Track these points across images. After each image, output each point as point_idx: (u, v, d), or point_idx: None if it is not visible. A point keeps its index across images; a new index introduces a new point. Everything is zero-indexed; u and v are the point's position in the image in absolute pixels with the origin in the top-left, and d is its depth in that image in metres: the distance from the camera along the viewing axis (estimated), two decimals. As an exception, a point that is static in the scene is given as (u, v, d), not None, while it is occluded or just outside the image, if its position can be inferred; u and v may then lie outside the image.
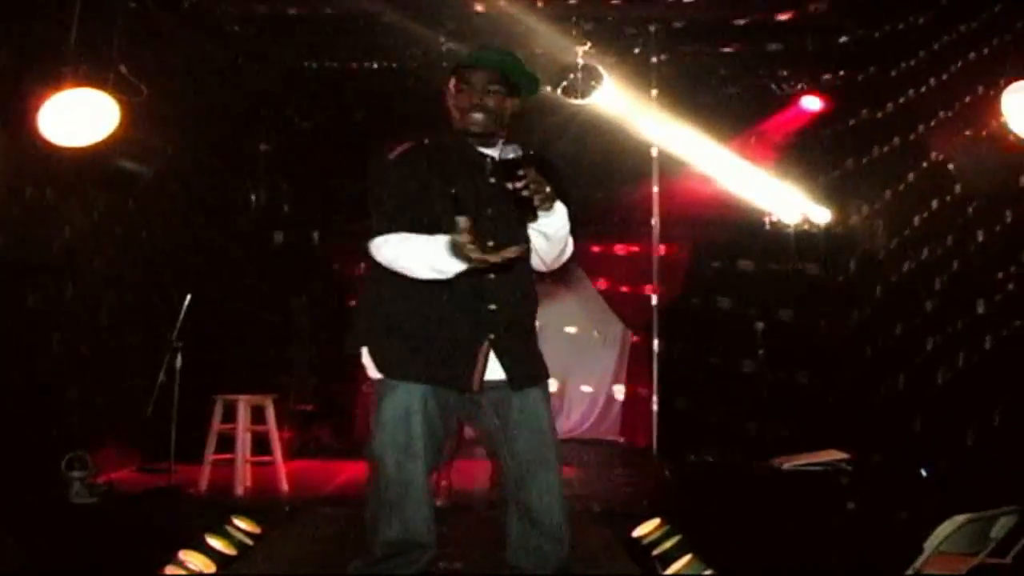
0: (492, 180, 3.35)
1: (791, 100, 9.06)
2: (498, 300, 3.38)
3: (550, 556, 3.38)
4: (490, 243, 3.22)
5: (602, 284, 10.58)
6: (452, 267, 3.15)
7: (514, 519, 3.43)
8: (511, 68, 3.47)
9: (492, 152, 3.43)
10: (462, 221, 3.06)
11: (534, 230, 3.36)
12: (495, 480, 6.07)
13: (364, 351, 3.43)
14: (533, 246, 3.43)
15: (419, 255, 3.23)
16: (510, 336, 3.42)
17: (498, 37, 7.96)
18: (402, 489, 3.32)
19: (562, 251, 3.50)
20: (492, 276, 3.34)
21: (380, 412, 3.36)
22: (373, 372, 3.40)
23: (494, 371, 3.38)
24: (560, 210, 3.32)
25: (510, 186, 3.15)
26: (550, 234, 3.35)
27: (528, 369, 3.46)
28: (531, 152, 3.31)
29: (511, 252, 3.10)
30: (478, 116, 3.39)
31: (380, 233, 3.31)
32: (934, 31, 7.35)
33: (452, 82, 3.46)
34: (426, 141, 3.48)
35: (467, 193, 3.34)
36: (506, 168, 3.17)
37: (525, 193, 3.15)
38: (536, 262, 3.52)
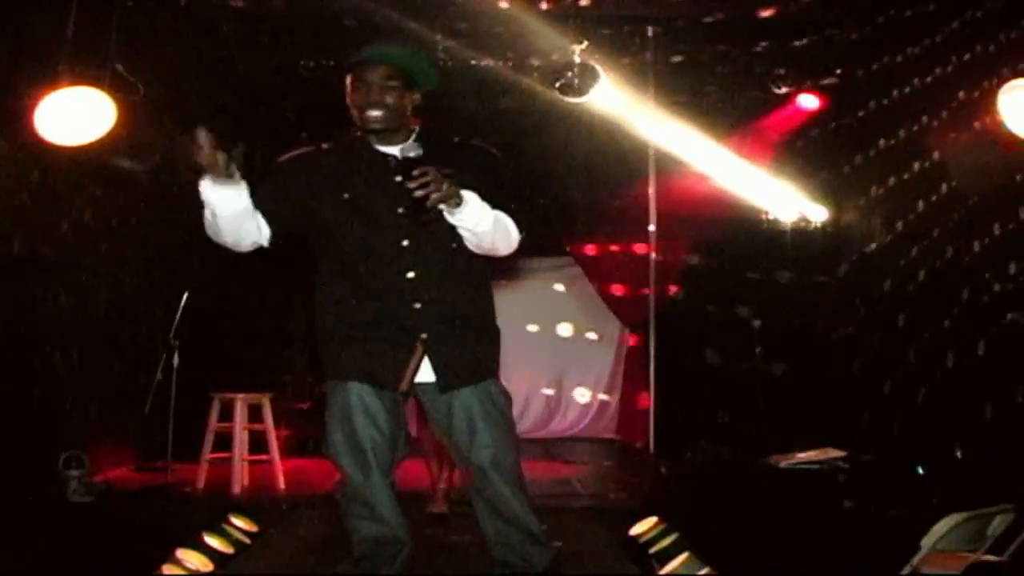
0: (398, 179, 3.30)
1: (788, 99, 9.07)
2: (426, 299, 3.38)
3: (533, 553, 3.47)
4: (405, 242, 3.32)
5: (599, 283, 10.57)
6: (204, 192, 3.18)
7: (485, 517, 3.52)
8: (408, 62, 3.42)
9: (393, 150, 3.41)
10: (200, 135, 3.11)
11: (457, 225, 3.33)
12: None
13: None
14: (465, 240, 3.40)
15: (209, 211, 3.26)
16: (445, 336, 3.41)
17: (495, 35, 7.99)
18: (360, 485, 3.41)
19: (495, 239, 3.42)
20: (411, 275, 3.37)
21: (327, 412, 3.48)
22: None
23: (428, 372, 3.42)
24: (471, 204, 3.28)
25: (408, 185, 3.15)
26: (468, 227, 3.32)
27: (463, 368, 3.46)
28: (451, 139, 3.47)
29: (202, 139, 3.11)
30: (375, 113, 3.36)
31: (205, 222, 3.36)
32: (931, 29, 7.35)
33: (348, 80, 3.43)
34: (324, 146, 3.53)
35: (369, 194, 3.37)
36: (403, 167, 3.18)
37: (417, 193, 3.13)
38: (476, 249, 3.46)
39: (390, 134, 3.42)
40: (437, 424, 3.56)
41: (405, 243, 3.34)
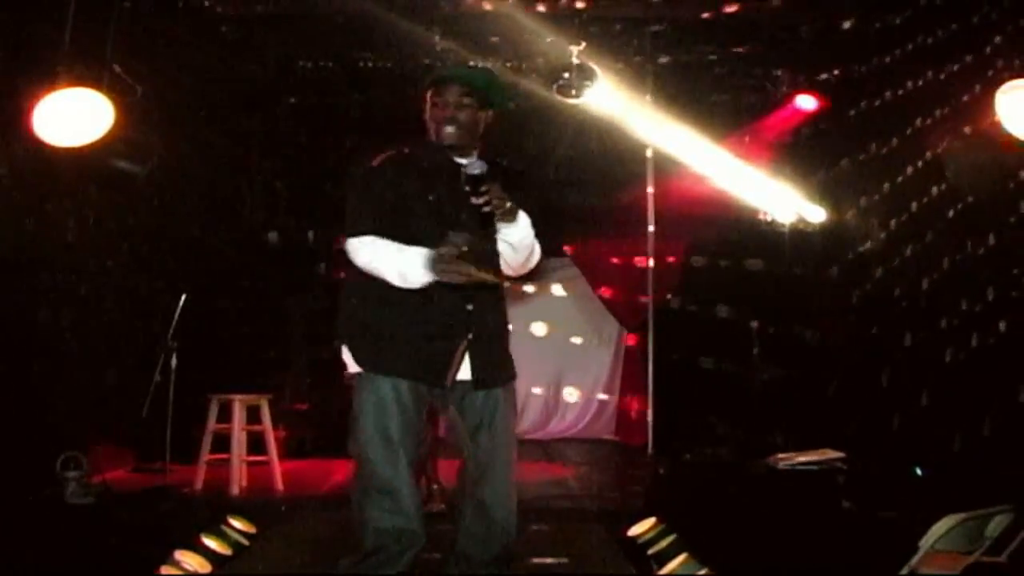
0: (467, 188, 3.43)
1: (786, 99, 9.08)
2: (476, 302, 3.54)
3: (494, 542, 3.55)
4: (471, 267, 3.33)
5: (597, 285, 10.58)
6: (420, 277, 3.32)
7: (468, 509, 3.59)
8: (483, 83, 3.63)
9: (466, 163, 3.52)
10: (457, 236, 3.29)
11: (501, 239, 3.56)
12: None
13: (344, 347, 3.61)
14: (501, 253, 3.61)
15: (394, 261, 3.38)
16: (485, 337, 3.59)
17: (493, 36, 7.99)
18: (388, 477, 3.45)
19: (528, 257, 3.68)
20: None
21: (359, 404, 3.53)
22: (353, 367, 3.57)
23: (464, 370, 3.55)
24: (523, 221, 3.52)
25: (474, 200, 3.32)
26: (515, 243, 3.55)
27: (496, 370, 3.63)
28: (502, 163, 3.59)
29: (488, 277, 3.30)
30: (451, 129, 3.55)
31: (358, 235, 3.46)
32: (928, 30, 7.36)
33: (428, 96, 3.61)
34: (406, 150, 3.64)
35: (444, 200, 3.51)
36: (471, 183, 3.33)
37: (487, 209, 3.33)
38: (504, 267, 3.67)
39: (461, 150, 3.59)
40: (457, 421, 3.64)
41: (465, 248, 3.41)
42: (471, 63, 7.79)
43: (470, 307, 3.51)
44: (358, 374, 3.54)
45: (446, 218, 3.48)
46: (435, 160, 3.60)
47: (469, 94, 3.57)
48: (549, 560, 5.06)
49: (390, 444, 3.46)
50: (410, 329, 3.50)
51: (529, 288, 10.84)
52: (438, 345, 3.51)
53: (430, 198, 3.51)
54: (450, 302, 3.49)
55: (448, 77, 3.61)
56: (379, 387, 3.49)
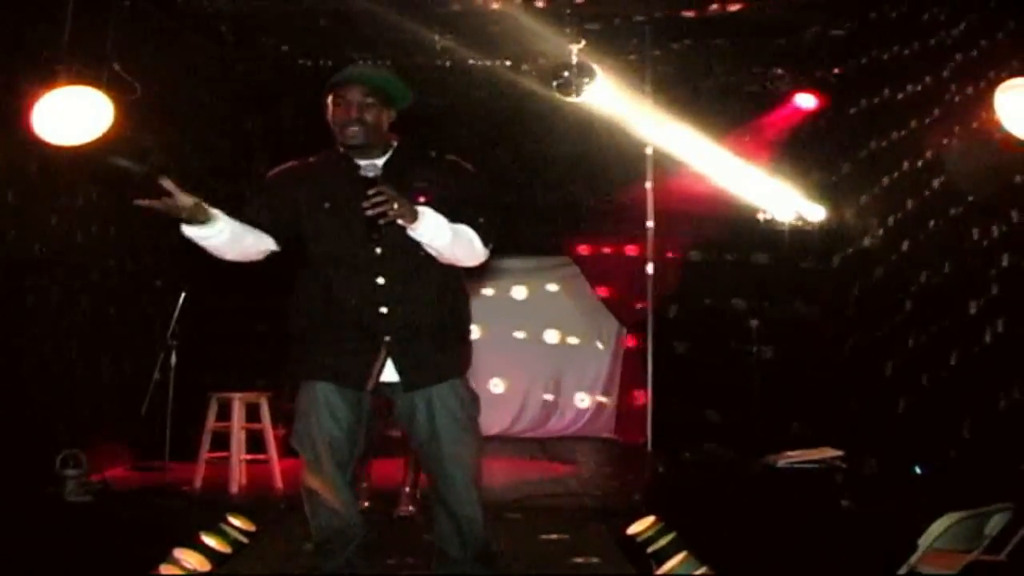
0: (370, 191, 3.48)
1: (785, 98, 9.08)
2: (392, 303, 3.56)
3: (468, 541, 3.62)
4: (377, 249, 3.49)
5: (596, 283, 10.56)
6: (189, 233, 3.60)
7: (436, 510, 3.70)
8: (384, 82, 3.67)
9: (372, 163, 3.57)
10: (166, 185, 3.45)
11: (416, 238, 3.49)
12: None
13: None
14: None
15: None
16: (409, 337, 3.58)
17: (492, 34, 7.99)
18: (318, 478, 3.59)
19: (454, 252, 3.56)
20: (381, 281, 3.55)
21: (295, 409, 3.67)
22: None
23: (391, 373, 3.60)
24: (425, 221, 3.42)
25: (363, 205, 3.31)
26: (426, 241, 3.48)
27: (427, 370, 3.62)
28: (431, 154, 3.68)
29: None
30: (355, 130, 3.58)
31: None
32: (928, 29, 7.36)
33: (329, 100, 3.67)
34: (311, 159, 3.76)
35: (348, 205, 3.48)
36: (360, 186, 3.35)
37: (369, 213, 3.31)
38: (440, 259, 3.61)
39: (368, 149, 3.60)
40: (401, 422, 3.72)
41: (378, 251, 3.52)
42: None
43: (385, 309, 3.53)
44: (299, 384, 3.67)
45: (342, 221, 3.53)
46: (335, 167, 3.65)
47: (371, 93, 3.58)
48: (547, 558, 5.06)
49: (316, 445, 3.57)
50: (328, 335, 3.59)
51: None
52: (358, 349, 3.57)
53: (325, 205, 3.57)
54: (362, 305, 3.54)
55: (349, 78, 3.63)
56: (309, 392, 3.59)
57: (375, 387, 3.57)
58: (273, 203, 3.67)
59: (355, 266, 3.54)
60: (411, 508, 6.10)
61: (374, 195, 3.28)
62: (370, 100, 3.57)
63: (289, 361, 3.70)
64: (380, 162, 3.50)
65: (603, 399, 11.14)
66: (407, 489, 6.17)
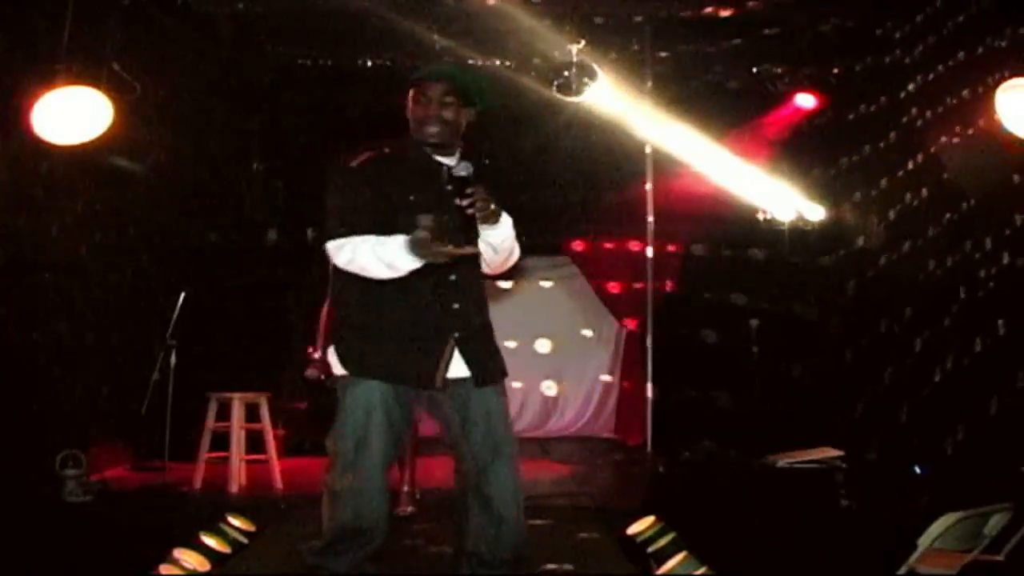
0: (449, 188, 3.48)
1: (785, 97, 9.08)
2: (460, 300, 3.56)
3: (505, 542, 3.55)
4: (448, 245, 3.33)
5: (597, 281, 10.56)
6: (407, 263, 3.33)
7: (474, 509, 3.59)
8: (466, 81, 3.62)
9: (448, 161, 3.58)
10: (425, 219, 3.26)
11: (482, 240, 3.50)
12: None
13: (331, 350, 3.63)
14: (481, 253, 3.56)
15: (376, 253, 3.39)
16: (472, 335, 3.60)
17: (492, 34, 7.98)
18: (357, 478, 3.50)
19: (507, 258, 3.68)
20: (453, 278, 3.53)
21: (343, 406, 3.56)
22: (338, 369, 3.59)
23: (455, 369, 3.55)
24: (506, 223, 3.53)
25: (458, 202, 3.34)
26: (496, 244, 3.54)
27: (489, 367, 3.63)
28: (485, 163, 3.59)
29: (468, 250, 3.32)
30: (434, 129, 3.54)
31: (337, 236, 3.48)
32: (929, 28, 7.36)
33: (410, 94, 3.61)
34: (386, 150, 3.65)
35: (424, 200, 3.47)
36: (455, 184, 3.38)
37: (470, 211, 3.33)
38: (483, 266, 3.67)
39: (445, 148, 3.59)
40: (451, 420, 3.62)
41: (448, 246, 3.41)
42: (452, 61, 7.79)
43: (456, 306, 3.53)
44: (344, 376, 3.57)
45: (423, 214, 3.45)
46: (417, 159, 3.61)
47: (452, 92, 3.56)
48: (548, 559, 5.06)
49: (367, 447, 3.49)
50: (397, 331, 3.52)
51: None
52: (426, 346, 3.52)
53: (411, 198, 3.49)
54: (437, 301, 3.51)
55: (433, 74, 3.61)
56: (363, 390, 3.52)
57: (444, 384, 3.53)
58: (365, 195, 3.55)
59: (432, 263, 3.45)
60: (409, 508, 6.10)
61: (472, 193, 3.31)
62: (450, 99, 3.55)
63: (340, 353, 3.59)
64: (467, 163, 3.44)
65: (606, 378, 11.14)
66: (405, 488, 6.17)
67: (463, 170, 3.38)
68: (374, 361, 3.53)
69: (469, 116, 3.65)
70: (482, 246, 3.51)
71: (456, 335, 3.54)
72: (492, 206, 3.37)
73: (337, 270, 3.57)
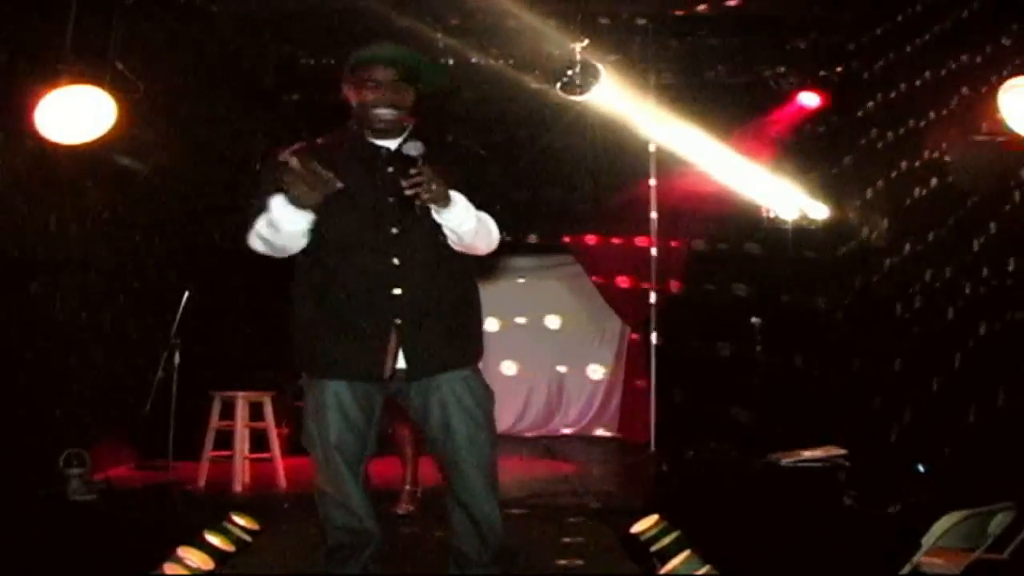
0: (390, 169, 3.41)
1: (789, 96, 9.07)
2: (405, 285, 3.44)
3: (488, 541, 3.53)
4: (394, 230, 3.39)
5: (600, 280, 10.56)
6: (282, 212, 3.28)
7: (451, 507, 3.60)
8: (413, 60, 3.52)
9: (388, 143, 3.50)
10: (291, 160, 3.16)
11: (442, 223, 3.40)
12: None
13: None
14: (447, 236, 3.46)
15: (263, 223, 3.35)
16: (418, 320, 3.46)
17: (495, 33, 7.98)
18: (333, 479, 3.51)
19: (474, 241, 3.49)
20: (396, 262, 3.42)
21: (304, 409, 3.59)
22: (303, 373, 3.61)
23: (401, 359, 3.47)
24: (457, 206, 3.35)
25: (402, 183, 3.23)
26: (454, 227, 3.39)
27: (437, 355, 3.50)
28: (448, 140, 3.58)
29: (324, 173, 3.18)
30: (386, 113, 3.46)
31: (251, 223, 3.41)
32: (931, 27, 7.35)
33: (355, 77, 3.50)
34: (319, 141, 3.60)
35: (363, 185, 3.42)
36: (401, 164, 3.27)
37: (408, 192, 3.22)
38: (448, 246, 3.51)
39: (395, 131, 3.51)
40: (413, 415, 3.61)
41: (394, 231, 3.41)
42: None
43: (397, 291, 3.42)
44: (303, 379, 3.61)
45: (356, 201, 3.41)
46: (352, 145, 3.54)
47: (400, 73, 3.45)
48: (551, 557, 5.06)
49: (328, 448, 3.48)
50: (338, 326, 3.45)
51: (520, 280, 10.92)
52: (366, 337, 3.42)
53: (345, 183, 3.34)
54: (375, 287, 3.41)
55: (377, 57, 3.46)
56: (319, 391, 3.49)
57: (392, 374, 3.43)
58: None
59: (370, 247, 3.41)
60: (411, 507, 6.11)
61: (416, 174, 3.20)
62: (399, 82, 3.45)
63: (295, 355, 3.57)
64: (419, 143, 3.31)
65: (604, 391, 11.15)
66: (407, 487, 6.18)
67: (413, 150, 3.26)
68: (320, 358, 3.50)
69: (414, 97, 3.53)
70: (445, 231, 3.41)
71: (397, 322, 3.42)
72: (434, 186, 3.22)
73: (294, 276, 3.58)
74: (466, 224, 3.38)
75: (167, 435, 6.82)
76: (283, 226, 3.31)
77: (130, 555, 4.71)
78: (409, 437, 6.09)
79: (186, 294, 6.92)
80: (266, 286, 9.48)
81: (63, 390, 7.01)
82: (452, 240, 3.44)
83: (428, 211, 3.32)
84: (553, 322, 11.22)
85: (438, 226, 3.40)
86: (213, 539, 4.94)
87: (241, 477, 7.05)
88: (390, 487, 6.21)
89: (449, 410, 3.49)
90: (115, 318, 7.78)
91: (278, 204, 3.27)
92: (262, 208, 3.34)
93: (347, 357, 3.45)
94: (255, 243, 3.44)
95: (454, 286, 3.56)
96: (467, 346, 3.61)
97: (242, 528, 5.36)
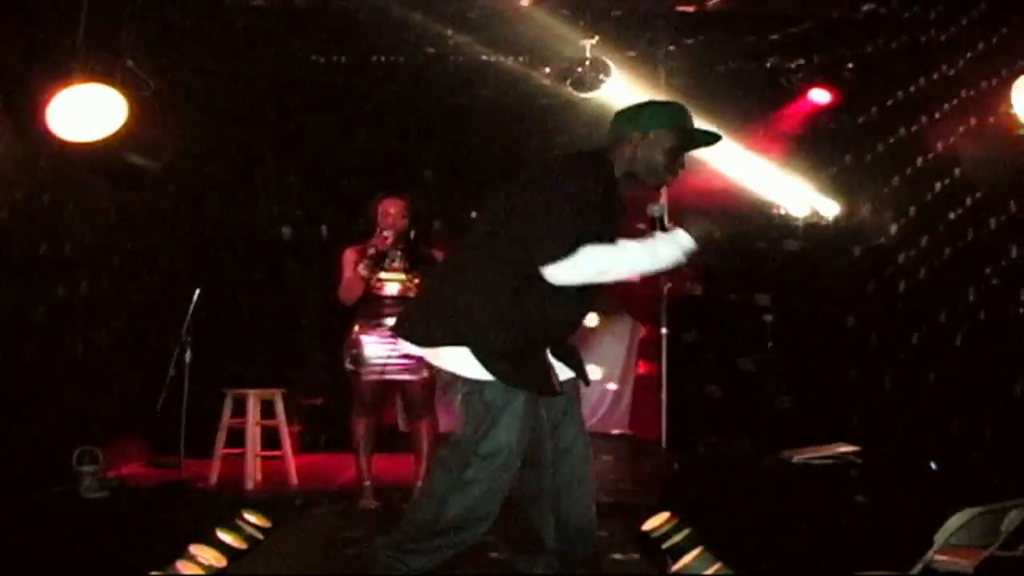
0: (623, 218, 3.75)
1: (800, 92, 9.05)
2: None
3: (580, 543, 3.70)
4: None
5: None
6: (671, 257, 3.55)
7: (559, 513, 3.68)
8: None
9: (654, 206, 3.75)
10: (657, 208, 3.62)
11: None
12: None
13: (470, 352, 3.53)
14: None
15: (634, 255, 3.53)
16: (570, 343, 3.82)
17: (505, 31, 7.96)
18: (501, 491, 3.53)
19: None
20: (583, 296, 3.64)
21: (500, 417, 3.50)
22: (477, 374, 3.52)
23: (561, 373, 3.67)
24: None
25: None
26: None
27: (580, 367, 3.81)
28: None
29: None
30: (666, 181, 3.77)
31: (573, 252, 3.40)
32: (944, 21, 7.33)
33: (677, 142, 3.70)
34: (593, 169, 3.66)
35: (611, 229, 3.60)
36: (659, 223, 3.65)
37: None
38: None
39: None
40: (546, 426, 3.66)
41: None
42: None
43: (585, 321, 3.74)
44: (491, 383, 3.51)
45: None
46: (615, 191, 3.69)
47: None
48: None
49: (514, 463, 3.52)
50: (544, 340, 3.61)
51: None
52: (546, 356, 3.63)
53: (606, 226, 3.57)
54: (576, 320, 3.68)
55: (711, 140, 3.86)
56: (523, 401, 3.52)
57: (561, 388, 3.61)
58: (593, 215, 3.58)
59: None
60: (375, 503, 6.18)
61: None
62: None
63: (491, 363, 3.53)
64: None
65: (614, 386, 11.13)
66: (367, 483, 6.26)
67: (656, 211, 3.62)
68: (532, 373, 3.56)
69: None
70: None
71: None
72: None
73: (498, 273, 3.55)
74: None
75: (179, 433, 6.83)
76: (669, 260, 3.57)
77: (142, 552, 4.71)
78: (426, 434, 6.15)
79: (197, 292, 6.93)
80: (278, 284, 9.58)
81: (76, 388, 7.03)
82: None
83: None
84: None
85: None
86: (225, 536, 4.94)
87: (253, 475, 7.06)
88: (399, 483, 6.26)
89: (582, 417, 3.75)
90: (126, 316, 7.80)
91: (670, 249, 3.57)
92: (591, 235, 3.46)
93: (543, 373, 3.59)
94: (588, 271, 3.48)
95: None
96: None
97: (254, 526, 5.35)
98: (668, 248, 3.48)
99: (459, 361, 3.54)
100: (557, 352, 3.64)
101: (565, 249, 3.37)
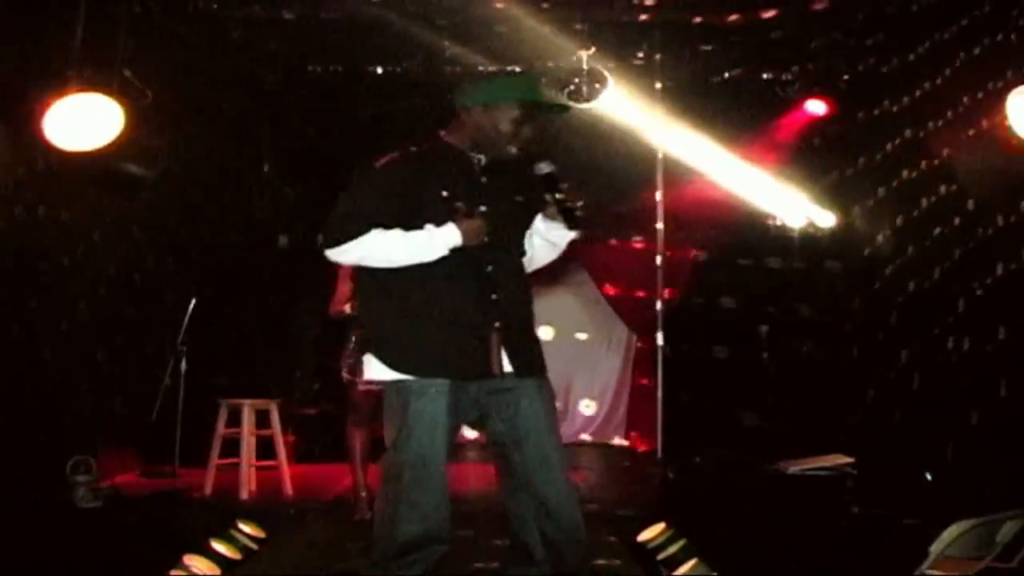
0: (483, 180, 3.53)
1: (795, 103, 9.07)
2: (500, 290, 3.51)
3: (576, 541, 3.51)
4: (486, 238, 3.43)
5: (607, 288, 10.55)
6: (442, 248, 3.38)
7: (539, 518, 3.51)
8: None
9: (480, 156, 3.58)
10: (459, 206, 3.39)
11: (540, 236, 3.57)
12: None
13: (373, 357, 3.51)
14: (530, 248, 3.64)
15: (404, 239, 3.40)
16: (515, 326, 3.54)
17: (503, 42, 7.98)
18: (426, 487, 3.39)
19: (554, 254, 3.75)
20: (490, 269, 3.49)
21: (407, 413, 3.41)
22: (387, 374, 3.47)
23: (501, 362, 3.49)
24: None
25: (553, 196, 3.44)
26: (557, 243, 3.58)
27: (532, 360, 3.56)
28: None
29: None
30: (516, 151, 3.56)
31: (347, 237, 3.42)
32: (937, 33, 7.35)
33: (516, 112, 3.55)
34: (413, 149, 3.60)
35: (460, 193, 3.47)
36: (547, 181, 3.46)
37: (569, 204, 3.42)
38: (525, 261, 3.67)
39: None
40: (498, 419, 3.55)
41: (485, 239, 3.45)
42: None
43: (494, 296, 3.47)
44: (398, 381, 3.45)
45: (455, 208, 3.45)
46: (444, 154, 3.57)
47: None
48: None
49: (432, 456, 3.39)
50: (446, 326, 3.43)
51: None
52: (473, 337, 3.44)
53: (443, 193, 3.45)
54: (476, 293, 3.46)
55: (555, 108, 3.81)
56: (428, 394, 3.41)
57: (501, 372, 3.45)
58: (390, 195, 3.50)
59: (467, 253, 3.44)
60: (369, 513, 6.14)
61: (565, 189, 3.45)
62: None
63: (384, 356, 3.48)
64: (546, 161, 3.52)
65: (611, 400, 11.12)
66: (363, 493, 6.22)
67: (544, 168, 3.46)
68: (432, 358, 3.44)
69: None
70: (539, 241, 3.60)
71: (497, 324, 3.46)
72: (579, 204, 3.43)
73: (370, 273, 3.51)
74: (566, 239, 3.60)
75: (174, 442, 6.83)
76: (432, 254, 3.40)
77: (136, 562, 4.71)
78: (373, 442, 6.13)
79: (193, 301, 6.93)
80: (274, 293, 9.58)
81: (70, 397, 7.01)
82: (539, 255, 3.67)
83: (515, 224, 3.55)
84: (559, 328, 11.20)
85: (521, 241, 3.60)
86: (219, 547, 4.94)
87: (247, 484, 7.05)
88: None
89: (547, 410, 3.57)
90: (122, 325, 7.79)
91: (443, 238, 3.39)
92: (372, 221, 3.40)
93: (455, 358, 3.44)
94: (357, 251, 3.44)
95: (528, 299, 3.68)
96: (542, 352, 3.68)
97: (248, 536, 5.35)
98: (433, 244, 3.39)
99: (371, 367, 3.54)
100: (509, 340, 3.48)
101: (335, 236, 3.45)
